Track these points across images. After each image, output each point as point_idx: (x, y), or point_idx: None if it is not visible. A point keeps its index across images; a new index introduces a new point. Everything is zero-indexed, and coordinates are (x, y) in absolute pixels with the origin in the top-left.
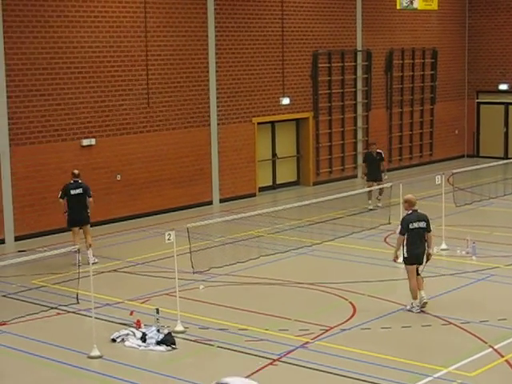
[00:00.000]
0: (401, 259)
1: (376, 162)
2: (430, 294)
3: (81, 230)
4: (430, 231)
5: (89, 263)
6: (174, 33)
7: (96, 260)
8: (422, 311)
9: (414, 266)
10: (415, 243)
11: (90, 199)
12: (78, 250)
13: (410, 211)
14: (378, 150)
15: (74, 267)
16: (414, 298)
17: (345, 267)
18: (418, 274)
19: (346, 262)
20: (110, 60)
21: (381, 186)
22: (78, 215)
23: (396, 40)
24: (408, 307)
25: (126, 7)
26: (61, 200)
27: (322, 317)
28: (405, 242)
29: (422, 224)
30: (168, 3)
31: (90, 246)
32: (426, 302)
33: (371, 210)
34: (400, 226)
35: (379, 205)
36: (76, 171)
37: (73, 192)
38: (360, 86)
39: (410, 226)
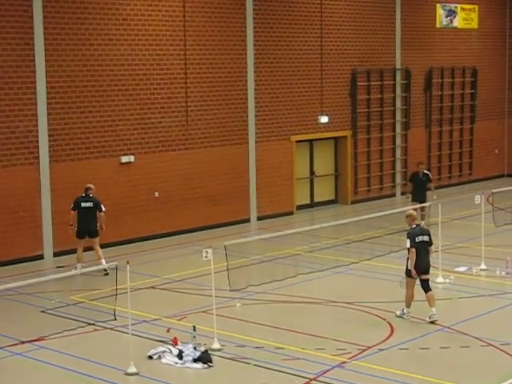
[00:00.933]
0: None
1: (422, 183)
2: (469, 314)
3: (87, 243)
4: (431, 244)
5: (107, 272)
6: (212, 50)
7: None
8: (462, 332)
9: (415, 280)
10: (419, 256)
11: (101, 213)
12: (116, 266)
13: (414, 225)
14: (425, 171)
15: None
16: (408, 306)
17: (382, 286)
18: (429, 290)
19: (383, 282)
20: (149, 78)
21: (418, 206)
22: (85, 227)
23: (435, 58)
24: (399, 313)
25: (165, 25)
26: (72, 212)
27: (359, 336)
28: (410, 256)
29: (426, 238)
30: (207, 21)
31: (100, 257)
32: (436, 320)
33: None
34: (409, 240)
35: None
36: (89, 185)
37: (83, 205)
38: (399, 104)
39: (416, 240)
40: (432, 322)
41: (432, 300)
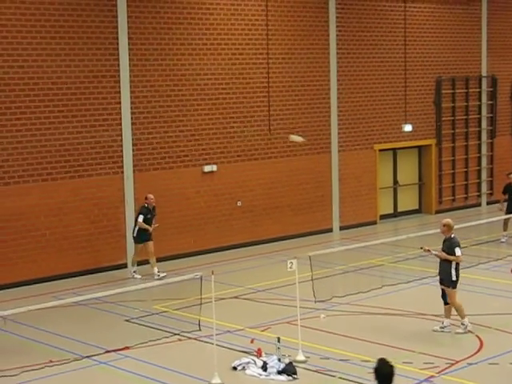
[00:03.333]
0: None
1: None
2: None
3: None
4: None
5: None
6: (295, 59)
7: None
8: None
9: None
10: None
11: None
12: (201, 276)
13: (453, 235)
14: None
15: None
16: (463, 316)
17: (470, 299)
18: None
19: (471, 294)
20: (232, 87)
21: (505, 217)
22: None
23: None
24: (461, 330)
25: (248, 35)
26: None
27: (447, 350)
28: (454, 266)
29: None
30: (290, 30)
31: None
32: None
33: (502, 242)
34: (459, 248)
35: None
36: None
37: (149, 215)
38: (484, 112)
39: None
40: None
41: (450, 311)
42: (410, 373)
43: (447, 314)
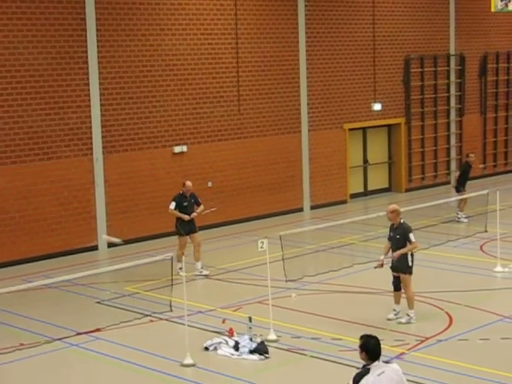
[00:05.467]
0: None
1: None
2: None
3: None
4: None
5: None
6: (264, 39)
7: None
8: None
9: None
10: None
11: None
12: (172, 257)
13: (402, 220)
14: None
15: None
16: (412, 307)
17: (440, 276)
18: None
19: (441, 271)
20: (201, 67)
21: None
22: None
23: (490, 43)
24: (405, 320)
25: (216, 14)
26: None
27: (417, 327)
28: (409, 249)
29: None
30: (259, 10)
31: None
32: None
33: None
34: (412, 234)
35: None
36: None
37: (186, 203)
38: (453, 90)
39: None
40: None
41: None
42: None
43: (397, 300)
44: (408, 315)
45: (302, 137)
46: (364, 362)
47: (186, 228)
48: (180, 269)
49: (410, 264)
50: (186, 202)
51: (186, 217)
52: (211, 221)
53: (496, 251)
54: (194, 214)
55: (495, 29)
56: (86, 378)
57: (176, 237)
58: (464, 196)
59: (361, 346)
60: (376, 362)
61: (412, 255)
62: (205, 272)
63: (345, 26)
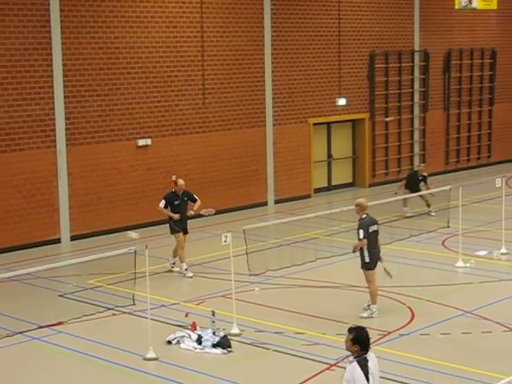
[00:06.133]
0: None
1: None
2: (490, 299)
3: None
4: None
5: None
6: (230, 33)
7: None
8: (483, 317)
9: (375, 271)
10: (374, 247)
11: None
12: (135, 251)
13: (364, 215)
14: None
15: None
16: (374, 302)
17: (403, 271)
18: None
19: (403, 266)
20: (166, 60)
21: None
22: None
23: (454, 40)
24: (366, 314)
25: (182, 7)
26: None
27: (379, 321)
28: (365, 247)
29: (376, 227)
30: (224, 3)
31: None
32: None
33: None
34: (362, 231)
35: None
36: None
37: (177, 202)
38: (417, 86)
39: (369, 230)
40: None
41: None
42: (342, 344)
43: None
44: (370, 309)
45: (266, 131)
46: (354, 354)
47: (178, 226)
48: (186, 270)
49: (367, 260)
50: (177, 201)
51: (176, 216)
52: None
53: (458, 246)
54: (191, 212)
55: (459, 26)
56: (48, 371)
57: (139, 230)
58: (427, 191)
59: (353, 340)
60: (369, 352)
61: (370, 250)
62: (189, 274)
63: (310, 21)
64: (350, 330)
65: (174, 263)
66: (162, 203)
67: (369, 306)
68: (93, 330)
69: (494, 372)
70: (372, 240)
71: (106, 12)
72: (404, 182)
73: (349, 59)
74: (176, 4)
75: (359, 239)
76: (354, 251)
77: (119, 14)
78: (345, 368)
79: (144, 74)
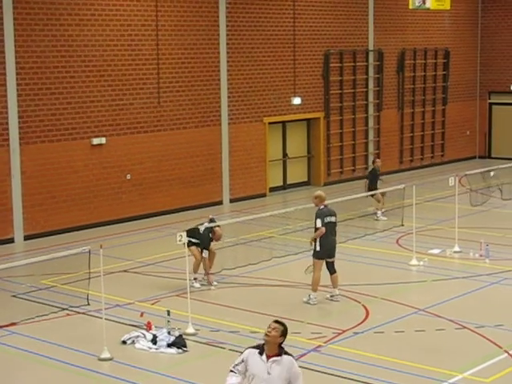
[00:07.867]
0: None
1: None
2: (443, 297)
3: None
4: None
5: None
6: (185, 32)
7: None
8: (436, 315)
9: (323, 261)
10: (328, 237)
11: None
12: (89, 250)
13: (322, 206)
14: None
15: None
16: (315, 290)
17: (357, 269)
18: (334, 272)
19: (358, 264)
20: (120, 59)
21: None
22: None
23: (408, 40)
24: (305, 299)
25: (137, 5)
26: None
27: (334, 320)
28: (316, 235)
29: (333, 219)
30: (179, 2)
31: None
32: (338, 300)
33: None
34: (319, 220)
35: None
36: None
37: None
38: (371, 86)
39: (325, 220)
40: (331, 299)
41: (336, 281)
42: (298, 343)
43: (335, 285)
44: (309, 296)
45: (221, 130)
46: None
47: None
48: (195, 279)
49: (318, 249)
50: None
51: None
52: (130, 213)
53: (412, 245)
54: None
55: (413, 25)
56: (1, 372)
57: (94, 229)
58: (378, 191)
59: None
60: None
61: (321, 240)
62: (196, 285)
63: (265, 20)
64: (280, 323)
65: (195, 278)
66: None
67: (331, 296)
68: (47, 331)
69: (448, 369)
70: (326, 231)
71: (60, 10)
72: (367, 180)
73: (304, 58)
74: (131, 2)
75: (316, 228)
76: (312, 243)
77: (73, 11)
78: (299, 367)
79: (98, 73)
